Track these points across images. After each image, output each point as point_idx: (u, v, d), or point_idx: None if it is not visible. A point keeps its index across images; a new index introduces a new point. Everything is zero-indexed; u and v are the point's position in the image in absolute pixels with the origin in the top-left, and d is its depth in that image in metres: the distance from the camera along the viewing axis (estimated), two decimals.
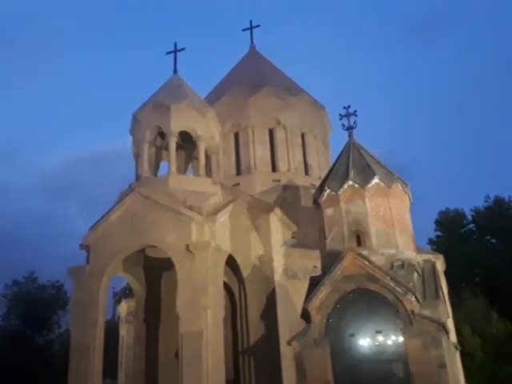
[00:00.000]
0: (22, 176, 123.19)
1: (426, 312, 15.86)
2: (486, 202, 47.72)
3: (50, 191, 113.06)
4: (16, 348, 42.64)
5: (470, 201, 50.45)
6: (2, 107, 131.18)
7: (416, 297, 15.62)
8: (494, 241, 46.26)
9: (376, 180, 18.02)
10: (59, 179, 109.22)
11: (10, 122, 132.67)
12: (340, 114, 19.84)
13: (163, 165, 25.46)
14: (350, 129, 19.67)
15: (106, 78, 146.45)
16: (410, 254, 17.64)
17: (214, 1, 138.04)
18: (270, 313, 21.92)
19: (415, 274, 16.91)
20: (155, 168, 24.96)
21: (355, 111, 19.62)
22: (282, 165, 30.16)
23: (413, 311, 15.35)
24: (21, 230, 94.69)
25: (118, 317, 36.14)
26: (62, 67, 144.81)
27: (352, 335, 15.86)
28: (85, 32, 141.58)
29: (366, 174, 18.24)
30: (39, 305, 47.24)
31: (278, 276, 22.95)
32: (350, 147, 19.24)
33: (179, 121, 23.43)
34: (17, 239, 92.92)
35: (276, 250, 23.64)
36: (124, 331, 32.52)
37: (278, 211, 24.62)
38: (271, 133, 31.14)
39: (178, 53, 26.07)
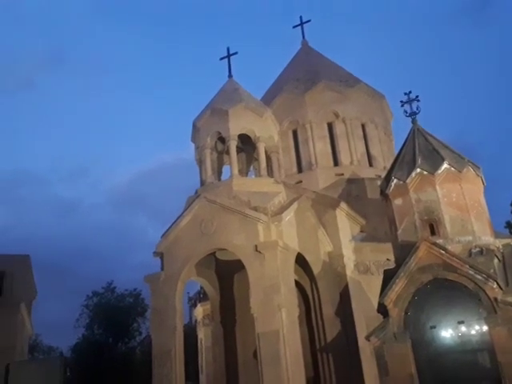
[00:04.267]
0: (92, 192, 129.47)
1: (510, 299, 15.17)
2: None
3: (119, 205, 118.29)
4: (100, 356, 44.62)
5: None
6: (67, 127, 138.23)
7: (498, 283, 15.00)
8: None
9: (445, 165, 17.41)
10: (126, 193, 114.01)
11: (78, 141, 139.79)
12: (401, 101, 19.41)
13: (226, 168, 25.80)
14: (413, 115, 19.17)
15: (164, 91, 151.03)
16: (487, 239, 16.91)
17: (261, 2, 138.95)
18: (344, 309, 21.66)
19: (495, 260, 16.20)
20: (218, 172, 25.32)
21: (417, 96, 19.17)
22: (344, 158, 29.71)
23: (496, 298, 14.75)
24: (96, 244, 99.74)
25: (195, 320, 36.95)
26: (124, 85, 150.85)
27: (433, 327, 15.38)
28: (140, 47, 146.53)
29: (435, 159, 17.66)
30: (119, 313, 49.14)
31: (349, 271, 22.63)
32: (415, 133, 18.71)
33: (237, 124, 23.66)
34: (93, 252, 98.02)
35: (345, 245, 23.33)
36: (202, 334, 33.17)
37: (343, 206, 24.29)
38: (330, 127, 30.76)
39: (231, 57, 26.34)
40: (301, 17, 36.22)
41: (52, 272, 74.83)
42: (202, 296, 35.37)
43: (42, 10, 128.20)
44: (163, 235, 22.25)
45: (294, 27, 36.61)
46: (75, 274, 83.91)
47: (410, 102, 19.21)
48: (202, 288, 30.94)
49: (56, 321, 59.20)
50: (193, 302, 40.32)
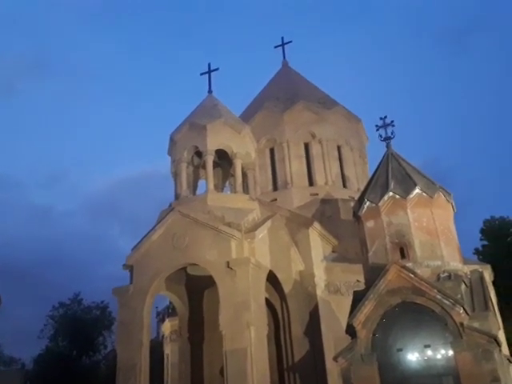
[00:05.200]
0: (65, 199, 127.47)
1: (476, 324, 15.38)
2: None
3: (93, 214, 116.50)
4: (64, 369, 43.48)
5: None
6: (46, 133, 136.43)
7: (465, 309, 15.18)
8: None
9: (417, 190, 17.71)
10: (101, 202, 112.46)
11: (54, 147, 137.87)
12: (376, 125, 19.75)
13: (201, 183, 25.76)
14: (387, 139, 19.51)
15: (144, 102, 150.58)
16: (456, 264, 17.20)
17: (245, 20, 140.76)
18: (313, 329, 21.67)
19: (463, 286, 16.44)
20: (194, 187, 25.24)
21: (392, 121, 19.52)
22: (319, 178, 29.98)
23: (462, 324, 14.92)
24: (65, 252, 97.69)
25: (162, 335, 36.40)
26: (102, 92, 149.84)
27: (400, 350, 15.45)
28: (123, 57, 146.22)
29: (407, 184, 17.95)
30: (85, 326, 48.11)
31: (320, 291, 22.71)
32: (389, 158, 19.02)
33: (215, 139, 23.69)
34: (62, 261, 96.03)
35: (317, 264, 23.43)
36: (168, 350, 32.69)
37: (317, 225, 24.44)
38: (307, 147, 31.06)
39: (211, 73, 26.51)
40: (282, 37, 36.83)
41: (19, 280, 73.03)
42: (170, 311, 34.93)
43: (25, 15, 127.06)
44: (134, 247, 21.99)
45: (276, 47, 37.15)
46: (43, 282, 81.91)
47: (385, 126, 19.56)
48: (171, 303, 30.56)
49: (20, 331, 57.58)
50: (161, 317, 39.73)
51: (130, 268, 21.93)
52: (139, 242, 21.97)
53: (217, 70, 26.56)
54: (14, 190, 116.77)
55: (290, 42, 36.84)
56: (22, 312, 65.37)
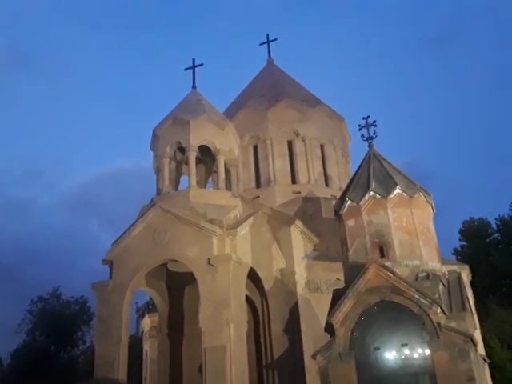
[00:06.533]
0: (45, 194, 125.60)
1: (453, 324, 15.57)
2: (510, 210, 46.87)
3: (73, 208, 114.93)
4: (41, 364, 43.04)
5: (494, 210, 49.54)
6: (26, 127, 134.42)
7: (442, 309, 15.36)
8: None
9: (398, 190, 17.86)
10: (81, 196, 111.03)
11: (34, 142, 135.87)
12: (359, 125, 19.85)
13: (184, 179, 25.63)
14: (369, 139, 19.62)
15: (126, 96, 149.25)
16: (434, 264, 17.37)
17: (231, 17, 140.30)
18: (293, 326, 21.74)
19: (440, 286, 16.63)
20: (176, 182, 25.10)
21: (375, 121, 19.63)
22: (301, 177, 30.06)
23: (439, 323, 15.08)
24: (45, 247, 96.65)
25: (142, 332, 36.18)
26: (82, 87, 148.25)
27: (377, 349, 15.58)
28: (104, 52, 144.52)
29: (388, 184, 18.09)
30: (64, 321, 47.68)
31: (300, 289, 22.79)
32: (371, 157, 19.13)
33: (198, 135, 23.58)
34: (41, 256, 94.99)
35: (298, 262, 23.51)
36: (147, 346, 32.47)
37: (298, 223, 24.52)
38: (290, 145, 31.10)
39: (196, 68, 26.37)
40: (267, 35, 36.72)
41: None
42: (150, 307, 34.65)
43: (6, 8, 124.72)
44: (114, 243, 21.78)
45: (261, 44, 37.07)
46: (21, 276, 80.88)
47: (367, 126, 19.66)
48: (150, 299, 30.35)
49: None
50: (141, 313, 39.43)
51: (109, 263, 21.70)
52: (119, 237, 21.77)
53: (201, 65, 26.50)
54: None
55: (276, 39, 36.80)
56: None
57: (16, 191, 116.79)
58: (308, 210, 27.66)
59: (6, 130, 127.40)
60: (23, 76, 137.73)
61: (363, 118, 19.77)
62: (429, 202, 18.71)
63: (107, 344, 20.07)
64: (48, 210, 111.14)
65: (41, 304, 49.32)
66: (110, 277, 21.49)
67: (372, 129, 19.61)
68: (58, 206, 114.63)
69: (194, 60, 26.44)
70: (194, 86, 26.10)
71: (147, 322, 33.01)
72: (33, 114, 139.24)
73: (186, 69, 26.62)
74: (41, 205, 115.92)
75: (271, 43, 36.77)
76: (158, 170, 23.97)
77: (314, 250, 25.96)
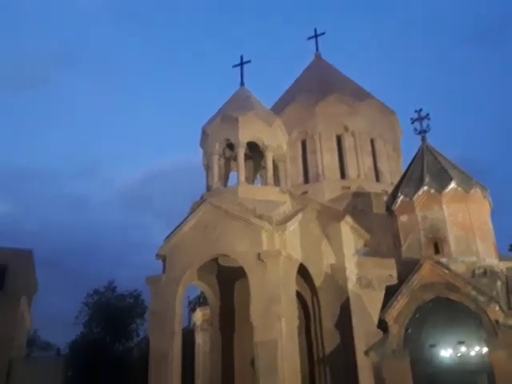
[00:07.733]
0: (101, 190, 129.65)
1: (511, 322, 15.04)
2: None
3: (128, 204, 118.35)
4: (97, 355, 44.53)
5: None
6: (81, 126, 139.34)
7: (500, 306, 14.90)
8: None
9: (453, 185, 17.38)
10: (135, 192, 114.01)
11: (89, 140, 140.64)
12: (411, 118, 19.41)
13: (233, 175, 25.87)
14: (422, 132, 19.16)
15: (176, 94, 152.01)
16: (492, 261, 16.84)
17: (278, 12, 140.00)
18: (344, 322, 21.59)
19: (498, 282, 16.11)
20: (225, 178, 25.40)
21: (428, 114, 19.14)
22: (351, 171, 29.73)
23: (497, 321, 14.64)
24: (101, 242, 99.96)
25: (194, 324, 36.84)
26: (134, 86, 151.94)
27: (433, 346, 15.33)
28: (154, 50, 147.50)
29: (442, 178, 17.63)
30: (118, 313, 49.01)
31: (351, 285, 22.59)
32: (424, 151, 18.70)
33: (247, 132, 23.77)
34: (97, 250, 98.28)
35: (348, 258, 23.30)
36: (200, 339, 33.07)
37: (348, 219, 24.28)
38: (339, 139, 30.81)
39: (244, 65, 26.55)
40: (315, 29, 36.53)
41: (55, 267, 75.18)
42: (201, 301, 35.27)
43: (53, 9, 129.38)
44: (166, 238, 22.31)
45: (309, 39, 36.86)
46: (78, 270, 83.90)
47: (420, 119, 19.19)
48: (202, 293, 30.88)
49: (55, 316, 59.18)
50: (192, 306, 40.17)
51: (162, 258, 22.27)
52: (171, 233, 22.28)
53: (249, 62, 26.64)
54: (50, 180, 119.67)
55: (323, 33, 36.51)
56: (58, 299, 67.24)
57: (73, 188, 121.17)
58: (358, 206, 27.34)
59: (63, 129, 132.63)
60: (74, 74, 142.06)
61: (415, 111, 19.32)
62: (485, 197, 18.10)
63: (161, 337, 20.59)
64: (103, 206, 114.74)
65: (96, 297, 50.83)
66: (163, 271, 22.04)
67: (425, 122, 19.15)
68: (112, 201, 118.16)
69: (241, 57, 26.68)
70: (242, 83, 26.30)
71: (199, 316, 33.62)
72: (88, 114, 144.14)
73: (234, 66, 26.85)
74: (96, 200, 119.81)
75: (319, 37, 36.58)
76: (208, 167, 24.33)
77: (365, 245, 25.64)
